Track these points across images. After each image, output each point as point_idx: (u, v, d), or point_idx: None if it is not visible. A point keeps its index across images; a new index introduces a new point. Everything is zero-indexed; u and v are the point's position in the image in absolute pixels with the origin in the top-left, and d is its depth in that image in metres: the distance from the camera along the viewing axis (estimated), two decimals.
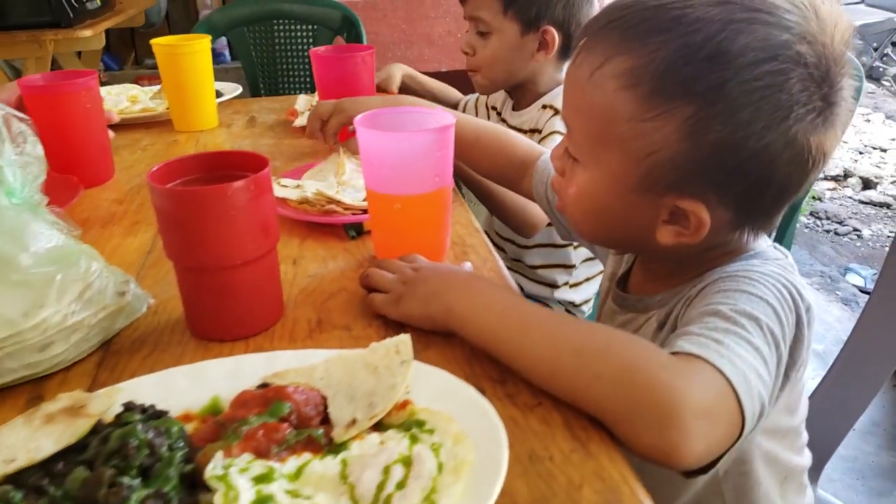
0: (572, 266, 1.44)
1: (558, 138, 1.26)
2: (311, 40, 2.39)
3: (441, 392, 0.58)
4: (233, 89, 1.59)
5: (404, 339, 0.61)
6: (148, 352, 0.70)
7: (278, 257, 0.74)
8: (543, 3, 1.30)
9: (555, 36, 1.33)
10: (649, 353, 0.58)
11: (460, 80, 1.44)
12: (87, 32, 2.72)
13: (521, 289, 1.45)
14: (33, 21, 2.68)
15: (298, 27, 2.39)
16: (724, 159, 0.64)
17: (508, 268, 1.44)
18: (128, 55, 4.31)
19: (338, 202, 0.92)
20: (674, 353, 0.58)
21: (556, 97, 1.35)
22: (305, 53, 2.39)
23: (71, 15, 2.71)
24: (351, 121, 0.85)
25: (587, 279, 1.46)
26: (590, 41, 0.68)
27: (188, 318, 0.72)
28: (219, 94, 1.52)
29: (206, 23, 2.33)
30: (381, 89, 1.44)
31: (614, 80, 0.65)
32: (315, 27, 2.35)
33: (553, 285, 1.43)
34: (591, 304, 1.49)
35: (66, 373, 0.67)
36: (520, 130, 1.40)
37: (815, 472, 1.09)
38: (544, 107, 1.36)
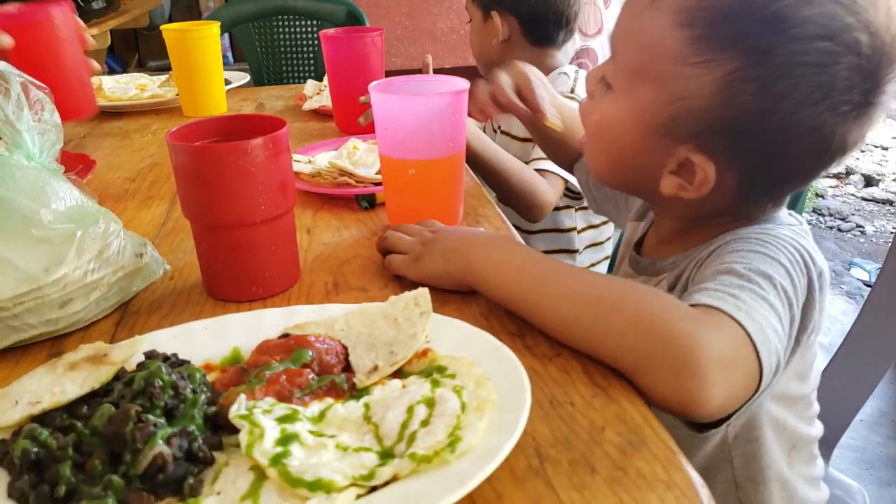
0: (576, 251, 1.44)
1: None
2: (314, 36, 2.39)
3: (461, 340, 0.58)
4: (240, 77, 1.59)
5: (423, 293, 0.61)
6: (166, 312, 0.70)
7: (295, 221, 0.74)
8: None
9: (498, 21, 1.38)
10: (667, 303, 0.58)
11: (463, 76, 1.46)
12: (94, 31, 2.73)
13: None
14: None
15: (302, 23, 2.40)
16: (749, 124, 0.64)
17: None
18: (131, 57, 4.32)
19: (350, 174, 0.93)
20: (691, 306, 0.58)
21: (554, 84, 1.35)
22: (309, 49, 2.40)
23: (77, 14, 2.72)
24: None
25: (592, 264, 1.47)
26: None
27: (205, 278, 0.72)
28: (227, 83, 1.53)
29: (210, 19, 2.34)
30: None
31: (671, 14, 0.64)
32: (319, 23, 2.36)
33: None
34: None
35: (84, 332, 0.67)
36: (514, 137, 1.42)
37: (825, 449, 1.09)
38: None
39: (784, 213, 0.74)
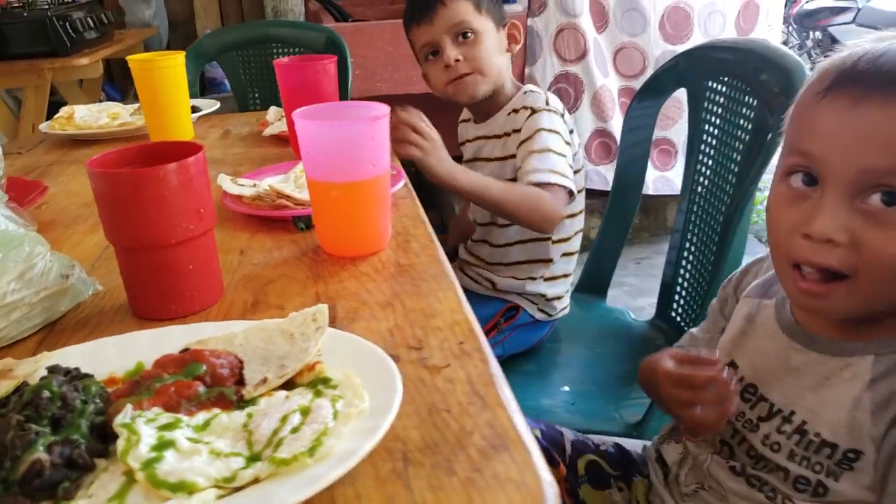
0: (550, 260, 1.47)
1: (546, 135, 1.32)
2: None
3: (352, 354, 0.61)
4: (210, 105, 1.64)
5: (321, 309, 0.64)
6: (89, 331, 0.73)
7: (215, 241, 0.78)
8: (499, 2, 1.40)
9: (521, 29, 1.41)
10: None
11: (449, 102, 1.48)
12: (84, 61, 2.80)
13: (493, 284, 1.48)
14: (32, 51, 2.77)
15: (284, 51, 2.45)
16: None
17: (485, 265, 1.50)
18: (130, 85, 4.40)
19: (287, 196, 0.96)
20: None
21: (524, 100, 1.39)
22: None
23: (68, 44, 2.79)
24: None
25: (564, 275, 1.49)
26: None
27: (129, 298, 0.76)
28: (197, 110, 1.57)
29: (196, 48, 2.40)
30: None
31: None
32: (301, 50, 2.41)
33: (529, 278, 1.46)
34: (563, 301, 1.51)
35: (7, 350, 0.70)
36: (489, 138, 1.45)
37: None
38: (514, 111, 1.40)
39: None
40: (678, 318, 1.54)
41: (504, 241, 1.48)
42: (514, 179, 1.41)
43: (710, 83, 1.47)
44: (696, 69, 1.51)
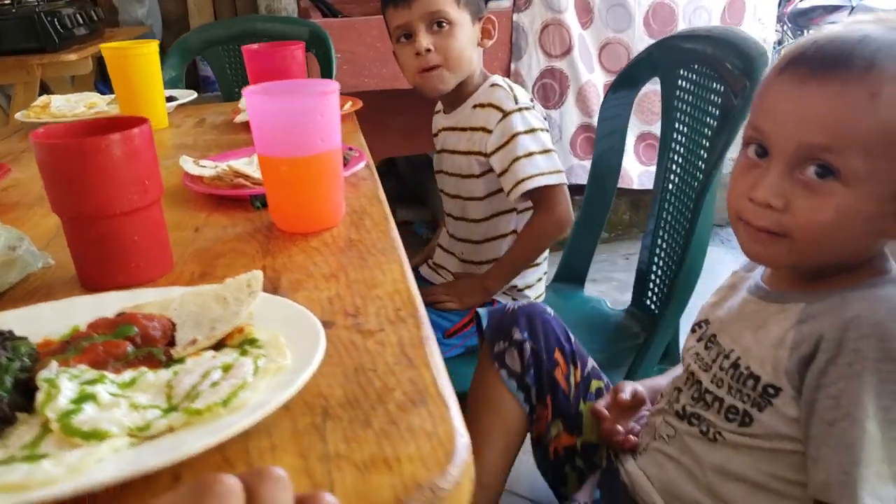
0: None
1: (524, 139, 1.34)
2: None
3: (281, 317, 0.62)
4: (187, 94, 1.65)
5: (256, 275, 0.65)
6: (36, 301, 0.74)
7: (163, 214, 0.79)
8: None
9: (496, 24, 1.42)
10: None
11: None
12: (73, 56, 2.81)
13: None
14: (20, 47, 2.78)
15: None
16: None
17: (458, 262, 1.51)
18: None
19: (245, 176, 0.97)
20: None
21: (490, 96, 1.40)
22: None
23: (56, 40, 2.80)
24: None
25: (535, 264, 1.50)
26: (842, 66, 0.71)
27: (77, 269, 0.77)
28: (174, 99, 1.58)
29: (181, 43, 2.41)
30: None
31: None
32: None
33: None
34: (537, 289, 1.52)
35: None
36: (453, 130, 1.46)
37: None
38: (480, 106, 1.41)
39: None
40: (652, 307, 1.55)
41: (477, 238, 1.49)
42: (479, 175, 1.42)
43: (681, 71, 1.48)
44: (669, 58, 1.53)
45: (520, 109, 1.37)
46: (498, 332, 1.10)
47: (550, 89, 2.78)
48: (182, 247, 0.85)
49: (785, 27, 5.96)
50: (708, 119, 1.35)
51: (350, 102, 1.47)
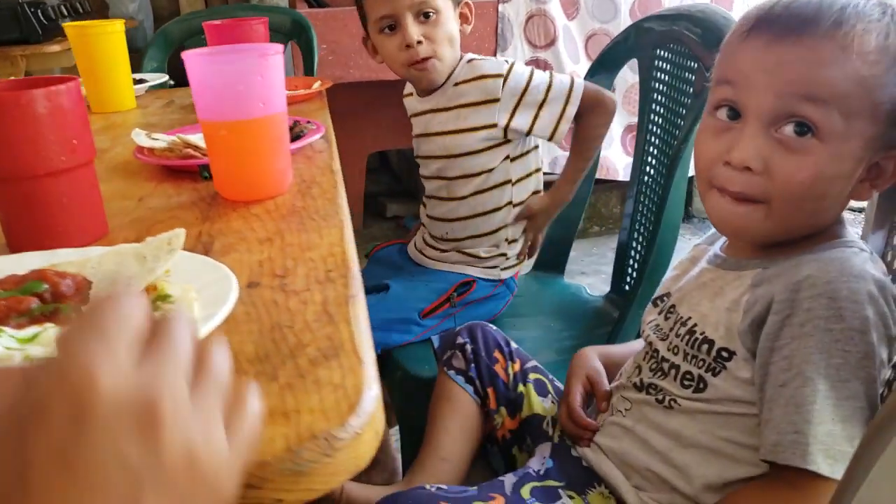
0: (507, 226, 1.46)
1: (534, 82, 1.33)
2: None
3: (200, 273, 0.60)
4: (158, 77, 1.63)
5: (178, 233, 0.63)
6: None
7: (96, 177, 0.76)
8: None
9: (472, 8, 1.39)
10: None
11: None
12: (57, 48, 2.80)
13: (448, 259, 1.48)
14: (4, 38, 2.76)
15: None
16: None
17: (440, 239, 1.48)
18: None
19: (195, 147, 0.95)
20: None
21: (475, 70, 1.37)
22: None
23: (40, 31, 2.79)
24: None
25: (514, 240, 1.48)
26: (812, 24, 0.71)
27: (4, 232, 0.74)
28: (142, 81, 1.56)
29: (162, 34, 2.38)
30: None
31: (872, 54, 0.69)
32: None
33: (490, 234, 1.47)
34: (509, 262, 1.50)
35: None
36: (436, 112, 1.42)
37: None
38: (465, 82, 1.37)
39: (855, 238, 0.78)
40: (629, 290, 1.53)
41: (463, 214, 1.45)
42: (469, 153, 1.39)
43: (657, 52, 1.45)
44: (645, 39, 1.50)
45: (511, 65, 1.36)
46: (445, 345, 1.14)
47: None
48: (122, 215, 0.83)
49: None
50: (684, 99, 1.33)
51: (319, 82, 1.44)
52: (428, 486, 0.87)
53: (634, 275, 1.51)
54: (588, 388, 0.98)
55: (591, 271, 2.97)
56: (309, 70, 2.22)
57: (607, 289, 1.62)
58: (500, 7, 2.73)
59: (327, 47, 2.84)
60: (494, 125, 1.36)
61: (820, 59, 0.70)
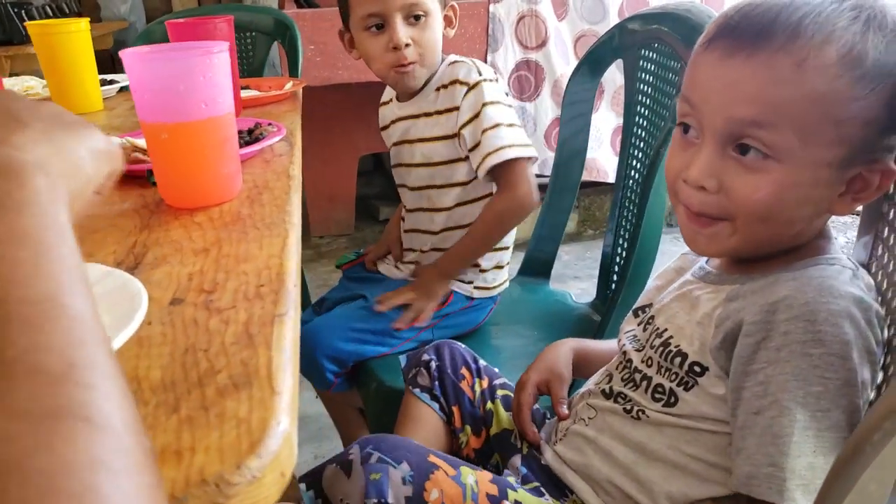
0: None
1: (491, 110, 1.25)
2: (250, 47, 2.39)
3: (110, 286, 0.55)
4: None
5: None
6: None
7: None
8: None
9: (457, 11, 1.34)
10: None
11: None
12: None
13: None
14: None
15: (237, 35, 2.39)
16: None
17: (420, 253, 1.42)
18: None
19: (143, 150, 0.90)
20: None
21: (452, 73, 1.31)
22: (243, 61, 2.40)
23: (23, 32, 2.74)
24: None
25: (501, 248, 1.42)
26: (766, 37, 0.66)
27: None
28: (113, 83, 1.51)
29: (145, 34, 2.35)
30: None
31: (830, 68, 0.64)
32: (252, 34, 2.35)
33: None
34: (501, 273, 1.44)
35: None
36: (417, 118, 1.36)
37: None
38: (443, 86, 1.32)
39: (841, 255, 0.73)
40: (612, 297, 1.48)
41: (445, 226, 1.40)
42: (449, 162, 1.34)
43: (642, 51, 1.41)
44: (630, 38, 1.45)
45: (485, 80, 1.28)
46: (410, 363, 1.10)
47: (526, 81, 2.70)
48: None
49: None
50: (667, 101, 1.28)
51: (292, 83, 1.39)
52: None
53: (618, 282, 1.46)
54: (545, 390, 0.95)
55: (584, 276, 2.92)
56: (293, 70, 2.18)
57: None
58: (491, 7, 2.68)
59: (315, 48, 2.79)
60: (455, 134, 1.31)
61: (772, 77, 0.66)
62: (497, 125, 1.25)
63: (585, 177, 2.81)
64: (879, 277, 0.75)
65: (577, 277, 2.91)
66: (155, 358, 0.50)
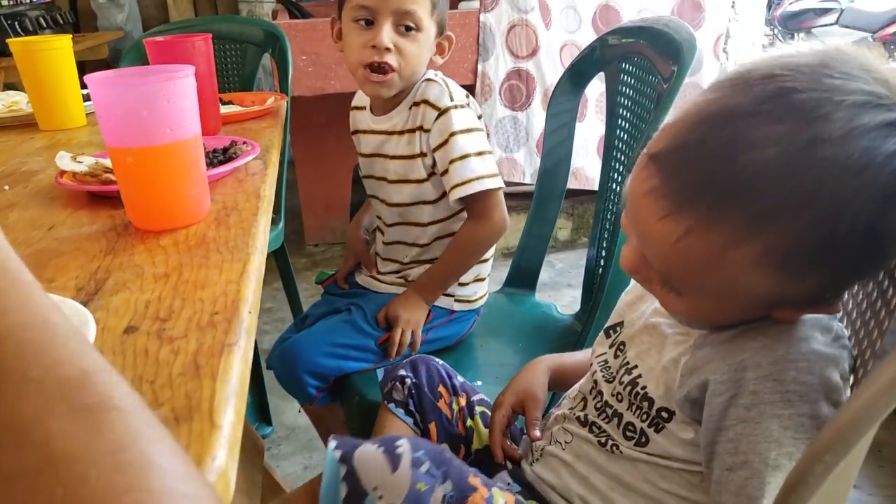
0: None
1: (460, 139, 1.25)
2: (239, 58, 2.40)
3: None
4: None
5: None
6: None
7: None
8: (446, 12, 1.31)
9: (452, 42, 1.34)
10: None
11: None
12: None
13: (407, 279, 1.43)
14: None
15: (228, 46, 2.41)
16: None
17: (401, 265, 1.43)
18: None
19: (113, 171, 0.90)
20: None
21: (424, 92, 1.31)
22: (233, 69, 2.41)
23: None
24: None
25: (481, 260, 1.43)
26: (691, 204, 0.62)
27: None
28: None
29: (135, 47, 2.35)
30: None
31: (748, 264, 0.61)
32: (241, 45, 2.36)
33: None
34: (481, 286, 1.46)
35: None
36: (390, 134, 1.36)
37: None
38: (415, 104, 1.32)
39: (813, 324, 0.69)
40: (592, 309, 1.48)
41: (425, 241, 1.40)
42: (425, 179, 1.34)
43: (622, 65, 1.42)
44: (610, 52, 1.46)
45: (455, 107, 1.28)
46: (386, 378, 1.10)
47: (517, 90, 2.71)
48: (24, 246, 0.79)
49: (775, 29, 5.90)
50: (646, 114, 1.28)
51: (273, 98, 1.40)
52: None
53: (596, 291, 1.47)
54: (520, 411, 0.96)
55: (577, 284, 2.90)
56: (284, 81, 2.18)
57: None
58: (482, 16, 2.69)
59: (308, 58, 2.80)
60: (424, 154, 1.31)
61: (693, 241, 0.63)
62: (465, 156, 1.26)
63: (574, 185, 2.83)
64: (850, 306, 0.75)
65: (569, 285, 2.91)
66: None
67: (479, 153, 1.27)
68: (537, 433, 0.90)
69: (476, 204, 1.30)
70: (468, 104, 1.31)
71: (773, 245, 0.59)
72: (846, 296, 0.76)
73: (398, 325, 1.32)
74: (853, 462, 0.51)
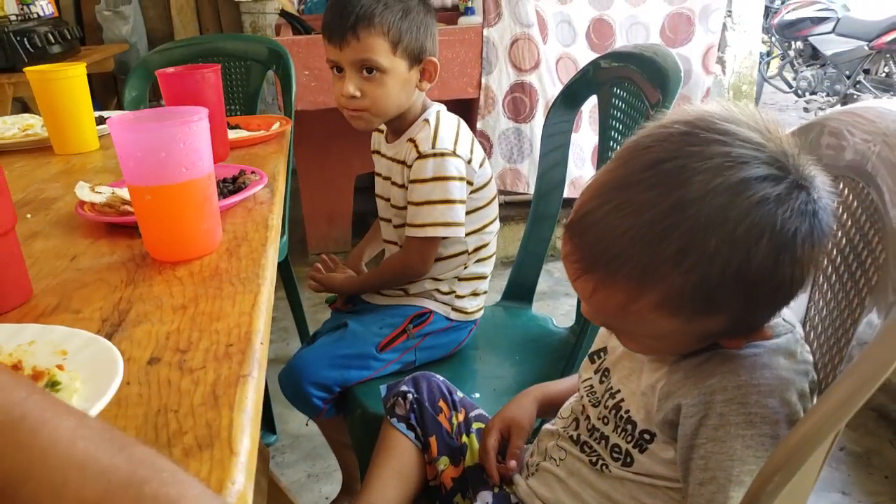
0: (464, 265, 1.47)
1: (427, 187, 1.33)
2: (244, 76, 2.46)
3: (92, 354, 0.61)
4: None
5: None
6: None
7: (18, 244, 0.78)
8: (423, 38, 1.35)
9: (437, 66, 1.38)
10: None
11: None
12: None
13: (406, 290, 1.50)
14: None
15: (232, 64, 2.47)
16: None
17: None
18: (110, 100, 4.43)
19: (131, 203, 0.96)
20: None
21: (415, 131, 1.39)
22: (238, 87, 2.46)
23: (26, 59, 2.82)
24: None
25: (479, 277, 1.49)
26: (599, 263, 0.68)
27: None
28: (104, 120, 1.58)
29: (142, 65, 2.41)
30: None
31: (652, 311, 0.68)
32: (246, 63, 2.42)
33: (441, 280, 1.48)
34: (477, 300, 1.51)
35: None
36: (394, 161, 1.43)
37: None
38: (409, 140, 1.39)
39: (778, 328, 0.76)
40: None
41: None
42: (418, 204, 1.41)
43: (614, 89, 1.47)
44: (603, 76, 1.51)
45: (434, 155, 1.34)
46: (389, 393, 1.16)
47: (521, 103, 2.77)
48: (51, 277, 0.84)
49: (772, 38, 5.95)
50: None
51: (278, 123, 1.45)
52: None
53: None
54: (507, 437, 1.02)
55: (574, 293, 2.97)
56: (287, 96, 2.24)
57: None
58: (486, 31, 2.75)
59: (310, 73, 2.86)
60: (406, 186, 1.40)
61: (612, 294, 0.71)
62: (427, 202, 1.35)
63: (572, 194, 2.87)
64: (816, 320, 0.81)
65: (567, 294, 2.96)
66: (131, 419, 0.56)
67: (444, 201, 1.35)
68: (513, 464, 0.98)
69: (412, 243, 1.40)
70: (453, 151, 1.36)
71: (664, 296, 0.66)
72: (811, 309, 0.82)
73: (332, 281, 1.55)
74: (807, 475, 0.57)
